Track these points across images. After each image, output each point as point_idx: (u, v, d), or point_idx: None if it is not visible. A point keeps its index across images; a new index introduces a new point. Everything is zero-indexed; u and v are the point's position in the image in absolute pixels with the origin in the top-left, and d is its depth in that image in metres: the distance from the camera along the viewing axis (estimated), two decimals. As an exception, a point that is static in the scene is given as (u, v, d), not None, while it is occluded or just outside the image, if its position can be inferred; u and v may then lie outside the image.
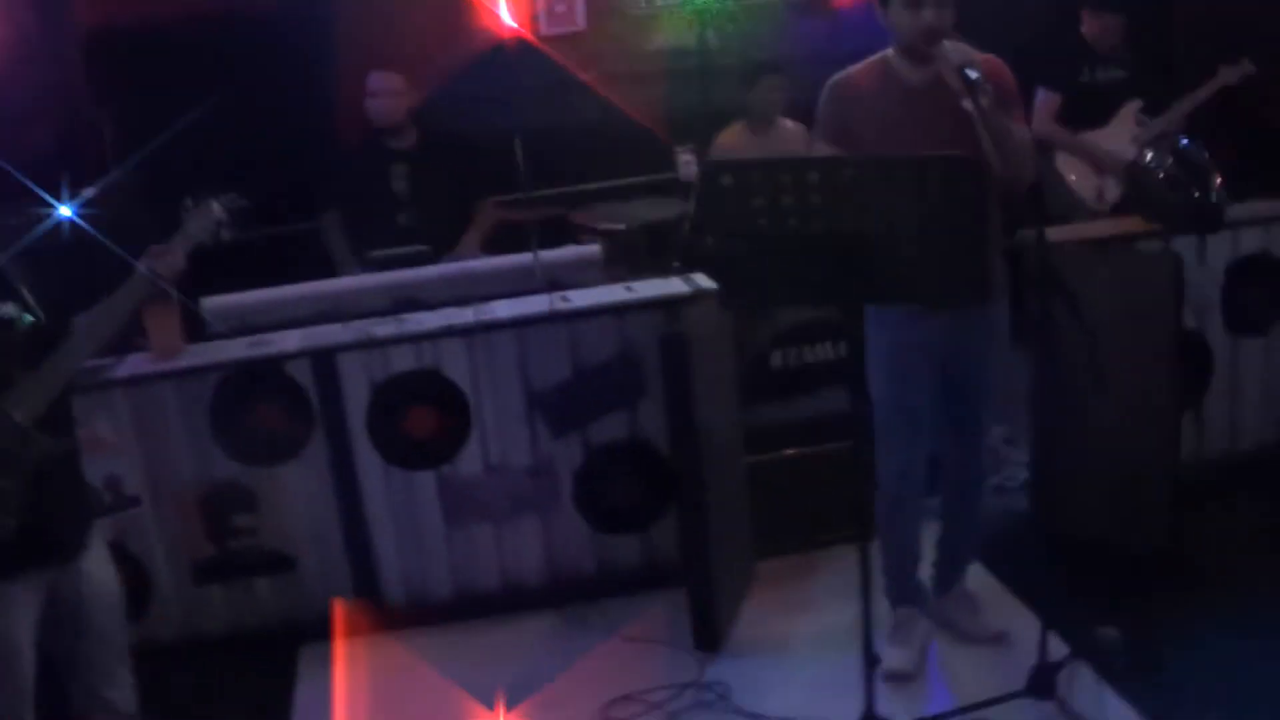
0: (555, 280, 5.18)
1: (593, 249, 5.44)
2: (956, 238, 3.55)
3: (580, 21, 6.96)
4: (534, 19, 6.90)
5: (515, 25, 6.20)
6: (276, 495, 4.98)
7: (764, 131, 6.62)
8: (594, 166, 7.00)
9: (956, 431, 4.59)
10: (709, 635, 4.82)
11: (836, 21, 7.06)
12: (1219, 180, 5.22)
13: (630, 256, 5.99)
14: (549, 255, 5.26)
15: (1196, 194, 5.23)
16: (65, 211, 4.65)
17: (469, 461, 5.06)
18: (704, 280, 5.07)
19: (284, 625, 5.09)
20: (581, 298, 5.08)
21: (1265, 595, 4.86)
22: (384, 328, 4.99)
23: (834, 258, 3.57)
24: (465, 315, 5.02)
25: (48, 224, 4.41)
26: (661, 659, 4.81)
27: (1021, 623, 4.66)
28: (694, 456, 4.73)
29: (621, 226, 6.45)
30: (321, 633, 5.09)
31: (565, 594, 5.21)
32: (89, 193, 4.64)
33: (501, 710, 4.59)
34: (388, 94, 6.08)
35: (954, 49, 4.16)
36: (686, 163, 6.69)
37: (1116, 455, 5.11)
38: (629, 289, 5.13)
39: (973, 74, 4.04)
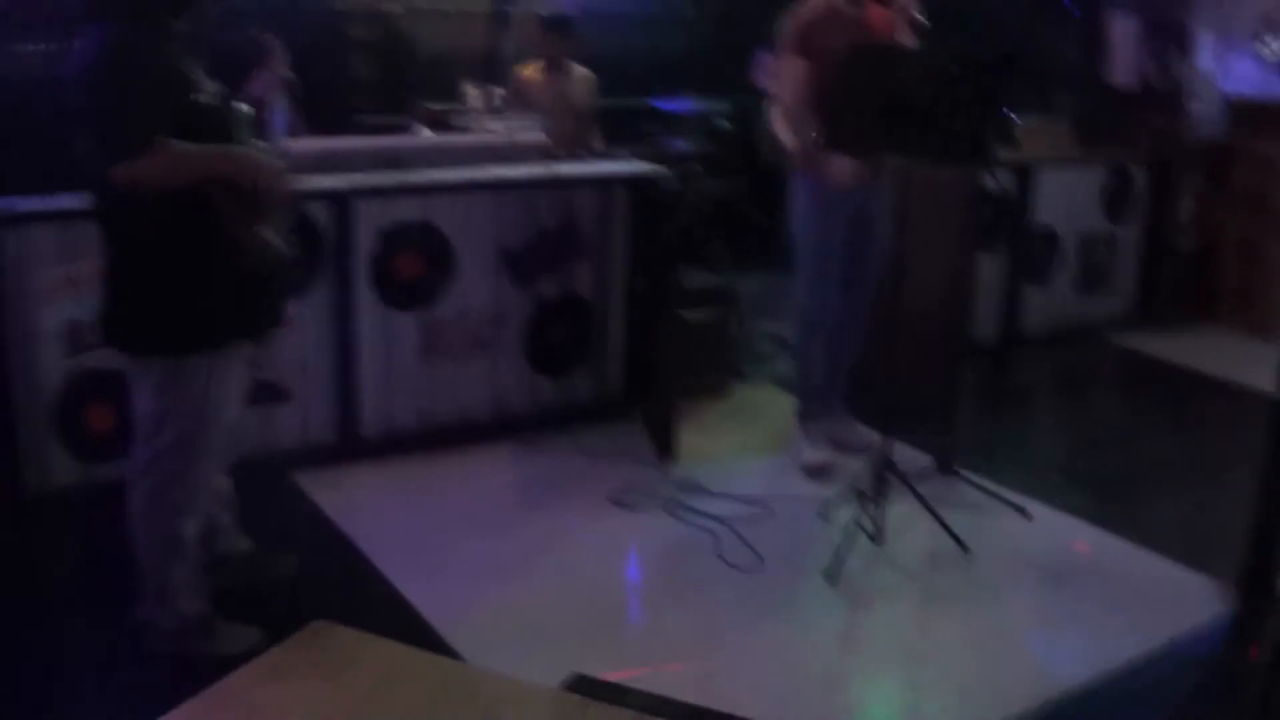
0: (509, 158, 6.01)
1: (539, 136, 6.25)
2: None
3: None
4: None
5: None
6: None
7: (557, 70, 7.64)
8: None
9: (854, 283, 5.86)
10: (667, 446, 5.83)
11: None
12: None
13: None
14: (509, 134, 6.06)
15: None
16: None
17: (446, 305, 5.77)
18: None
19: (267, 455, 5.47)
20: (569, 169, 5.98)
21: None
22: (391, 178, 5.62)
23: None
24: (461, 174, 5.75)
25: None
26: (628, 467, 5.75)
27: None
28: (669, 304, 5.80)
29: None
30: (304, 462, 5.58)
31: (509, 427, 6.02)
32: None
33: (525, 508, 5.37)
34: None
35: None
36: (474, 96, 7.58)
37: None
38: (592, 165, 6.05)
39: (921, 18, 5.48)
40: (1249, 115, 8.41)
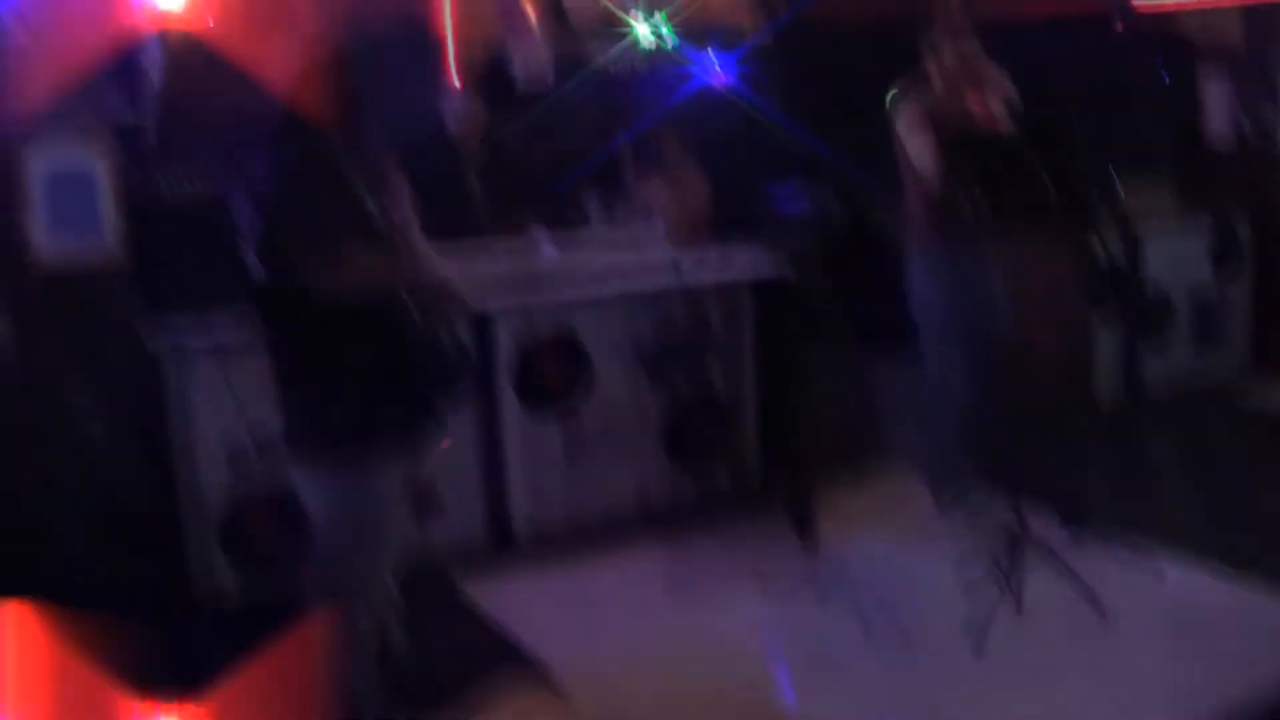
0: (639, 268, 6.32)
1: (664, 244, 6.59)
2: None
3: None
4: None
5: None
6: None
7: (671, 179, 7.92)
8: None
9: (978, 359, 6.06)
10: (808, 531, 6.07)
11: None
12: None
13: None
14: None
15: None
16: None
17: (587, 409, 6.07)
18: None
19: (424, 559, 5.73)
20: (697, 274, 6.34)
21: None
22: (528, 296, 5.96)
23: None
24: (595, 287, 6.09)
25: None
26: (770, 553, 5.98)
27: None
28: (801, 394, 6.07)
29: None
30: (460, 564, 5.87)
31: (653, 520, 6.29)
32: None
33: (674, 597, 5.60)
34: (469, 112, 7.00)
35: (997, 78, 5.83)
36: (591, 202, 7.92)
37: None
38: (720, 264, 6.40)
39: (1015, 99, 5.73)
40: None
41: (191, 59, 5.75)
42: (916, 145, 5.73)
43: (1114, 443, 7.59)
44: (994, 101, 5.88)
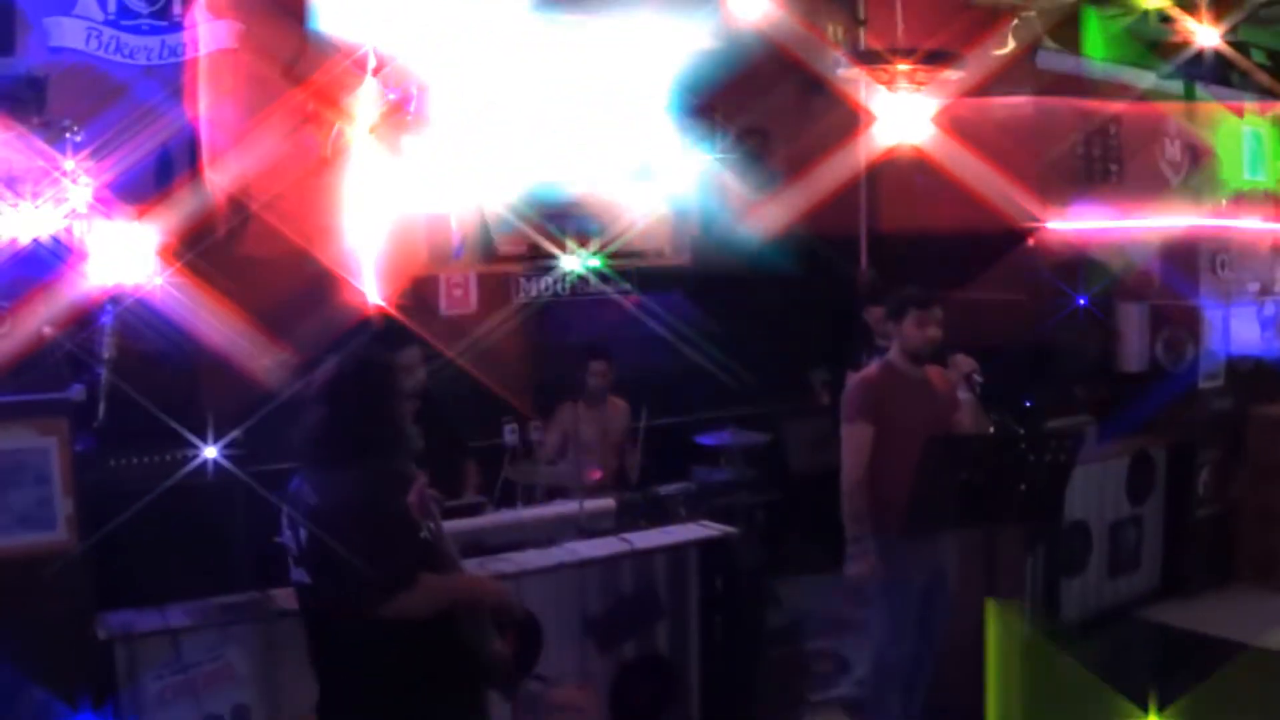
0: (583, 528, 6.18)
1: (608, 503, 6.45)
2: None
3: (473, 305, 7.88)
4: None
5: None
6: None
7: (596, 406, 7.84)
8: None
9: (926, 626, 6.03)
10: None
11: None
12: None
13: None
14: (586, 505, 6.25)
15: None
16: (210, 453, 5.27)
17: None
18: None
19: None
20: (645, 540, 6.19)
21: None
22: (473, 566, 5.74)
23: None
24: (546, 557, 5.92)
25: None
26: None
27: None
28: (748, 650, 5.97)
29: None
30: None
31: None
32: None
33: None
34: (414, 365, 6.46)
35: (962, 359, 5.82)
36: (511, 430, 7.77)
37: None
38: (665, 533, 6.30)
39: (979, 377, 5.72)
40: (1255, 381, 8.83)
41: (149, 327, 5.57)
42: (856, 430, 5.69)
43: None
44: (957, 377, 5.87)
